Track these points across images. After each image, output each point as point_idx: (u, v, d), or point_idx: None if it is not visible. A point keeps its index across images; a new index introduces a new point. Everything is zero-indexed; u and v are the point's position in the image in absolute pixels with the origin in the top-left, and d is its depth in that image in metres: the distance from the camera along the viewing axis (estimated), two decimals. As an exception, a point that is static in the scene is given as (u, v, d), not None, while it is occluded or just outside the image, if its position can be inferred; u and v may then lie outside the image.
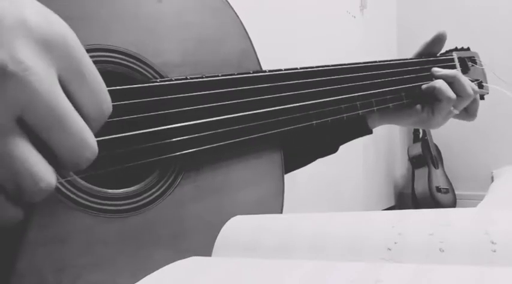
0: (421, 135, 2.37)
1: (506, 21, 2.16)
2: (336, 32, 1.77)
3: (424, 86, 0.61)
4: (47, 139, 0.23)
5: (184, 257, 0.31)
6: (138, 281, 0.24)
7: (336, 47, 1.73)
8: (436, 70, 0.62)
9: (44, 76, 0.22)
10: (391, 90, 0.57)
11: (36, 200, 0.23)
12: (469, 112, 0.65)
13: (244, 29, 0.47)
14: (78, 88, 0.24)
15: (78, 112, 0.24)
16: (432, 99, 0.62)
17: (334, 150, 0.64)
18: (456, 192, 2.27)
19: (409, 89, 0.59)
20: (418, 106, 0.63)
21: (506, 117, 2.20)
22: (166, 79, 0.39)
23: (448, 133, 2.35)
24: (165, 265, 0.26)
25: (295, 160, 0.62)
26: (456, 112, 0.63)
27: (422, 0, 2.45)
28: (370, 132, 0.64)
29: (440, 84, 0.60)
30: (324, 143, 0.63)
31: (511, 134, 2.20)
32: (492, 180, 1.74)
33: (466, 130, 2.30)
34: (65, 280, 0.30)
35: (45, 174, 0.23)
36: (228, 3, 0.46)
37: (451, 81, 0.61)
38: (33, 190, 0.22)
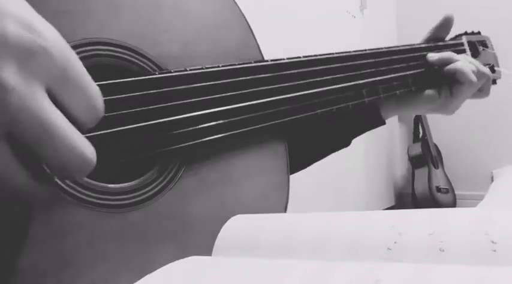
0: (421, 135, 2.37)
1: (506, 21, 2.16)
2: (336, 32, 1.77)
3: (445, 68, 0.59)
4: (38, 152, 0.23)
5: (187, 252, 0.31)
6: (139, 276, 0.24)
7: (336, 47, 1.71)
8: (430, 55, 0.60)
9: (26, 94, 0.21)
10: (398, 76, 0.55)
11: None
12: (482, 91, 0.63)
13: (245, 18, 0.46)
14: (68, 98, 0.24)
15: (71, 119, 0.24)
16: (451, 82, 0.60)
17: (346, 143, 0.62)
18: (456, 192, 2.28)
19: (417, 75, 0.57)
20: (435, 91, 0.60)
21: (507, 117, 2.20)
22: (165, 71, 0.38)
23: (448, 133, 2.35)
24: (166, 260, 0.26)
25: (308, 155, 0.62)
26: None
27: (422, 0, 2.45)
28: (383, 123, 0.62)
29: (461, 65, 0.58)
30: (336, 137, 0.62)
31: (511, 134, 2.20)
32: (492, 180, 1.74)
33: (466, 130, 2.30)
34: (65, 276, 0.30)
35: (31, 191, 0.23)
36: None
37: (449, 63, 0.59)
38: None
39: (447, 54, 0.60)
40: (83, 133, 0.25)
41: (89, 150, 0.24)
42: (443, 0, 2.34)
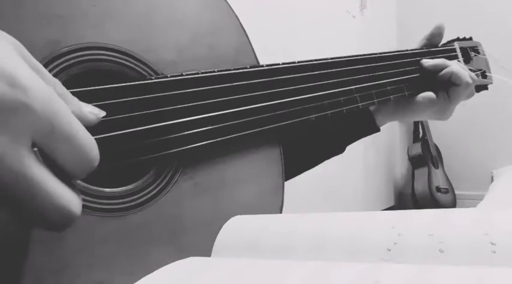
0: (421, 135, 2.37)
1: (506, 21, 2.16)
2: (336, 32, 1.77)
3: (441, 73, 0.60)
4: (20, 206, 0.22)
5: (183, 255, 0.31)
6: (136, 279, 0.24)
7: (335, 47, 1.73)
8: (424, 61, 0.61)
9: (7, 153, 0.21)
10: (391, 81, 0.56)
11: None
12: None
13: (240, 23, 0.46)
14: (56, 152, 0.23)
15: (61, 169, 0.24)
16: (448, 86, 0.60)
17: (341, 150, 0.63)
18: (456, 192, 2.28)
19: (410, 80, 0.58)
20: (433, 96, 0.61)
21: (506, 117, 2.20)
22: (161, 76, 0.39)
23: (448, 133, 2.36)
24: (164, 263, 0.26)
25: (302, 162, 0.62)
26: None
27: (422, 0, 2.45)
28: (378, 130, 0.63)
29: (456, 69, 0.59)
30: (331, 143, 0.62)
31: (511, 134, 2.20)
32: (492, 180, 1.75)
33: (466, 130, 2.30)
34: (63, 279, 0.30)
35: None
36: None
37: (443, 68, 0.60)
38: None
39: (440, 61, 0.61)
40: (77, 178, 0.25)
41: (73, 205, 0.24)
42: (443, 1, 2.35)
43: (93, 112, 0.28)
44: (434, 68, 0.60)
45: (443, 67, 0.60)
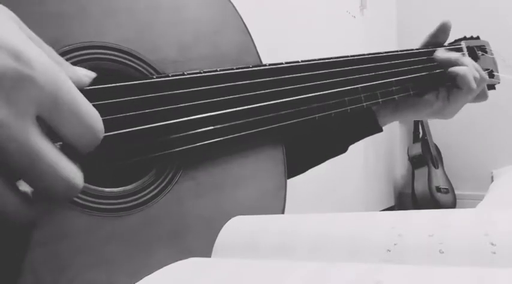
0: (421, 135, 2.37)
1: (507, 21, 2.16)
2: (336, 32, 1.77)
3: (449, 69, 0.59)
4: (24, 179, 0.23)
5: (184, 255, 0.31)
6: (136, 280, 0.24)
7: (335, 47, 1.73)
8: (440, 53, 0.59)
9: (13, 125, 0.21)
10: (397, 81, 0.55)
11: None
12: (479, 96, 0.63)
13: (243, 23, 0.46)
14: (61, 125, 0.24)
15: (66, 142, 0.24)
16: (450, 86, 0.60)
17: (343, 150, 0.63)
18: (456, 192, 2.27)
19: (416, 80, 0.58)
20: (433, 96, 0.61)
21: (506, 117, 2.20)
22: (163, 75, 0.38)
23: (448, 133, 2.35)
24: (164, 264, 0.26)
25: (304, 161, 0.62)
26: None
27: (422, 0, 2.45)
28: (380, 130, 0.62)
29: (465, 71, 0.58)
30: (333, 143, 0.62)
31: (511, 134, 2.20)
32: (492, 180, 1.74)
33: (466, 130, 2.30)
34: (62, 279, 0.30)
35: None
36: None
37: (455, 65, 0.59)
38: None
39: (456, 55, 0.60)
40: (83, 156, 0.25)
41: (75, 178, 0.24)
42: (443, 1, 2.35)
43: (87, 74, 0.29)
44: (447, 61, 0.59)
45: (457, 63, 0.59)
